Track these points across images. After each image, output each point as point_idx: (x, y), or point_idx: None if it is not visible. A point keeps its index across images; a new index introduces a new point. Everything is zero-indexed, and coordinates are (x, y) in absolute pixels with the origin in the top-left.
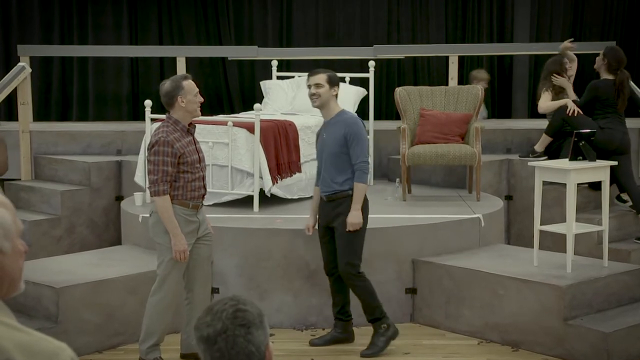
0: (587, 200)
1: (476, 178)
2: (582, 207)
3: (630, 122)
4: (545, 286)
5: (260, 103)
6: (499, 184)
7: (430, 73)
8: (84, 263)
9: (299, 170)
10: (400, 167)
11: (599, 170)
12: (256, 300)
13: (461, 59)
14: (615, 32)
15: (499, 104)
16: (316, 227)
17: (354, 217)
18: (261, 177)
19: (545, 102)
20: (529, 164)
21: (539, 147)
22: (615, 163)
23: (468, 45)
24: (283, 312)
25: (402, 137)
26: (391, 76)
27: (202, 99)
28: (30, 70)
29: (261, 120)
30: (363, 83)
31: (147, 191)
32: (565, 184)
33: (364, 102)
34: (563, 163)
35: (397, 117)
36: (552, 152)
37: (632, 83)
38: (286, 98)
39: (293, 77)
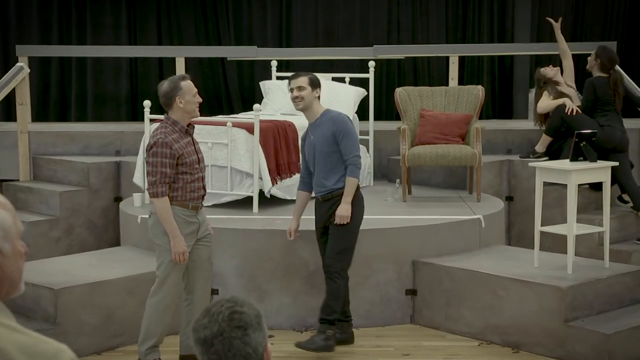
0: (588, 201)
1: (476, 179)
2: (583, 208)
3: (631, 123)
4: (546, 287)
5: (260, 103)
6: (500, 184)
7: (430, 73)
8: (83, 264)
9: (299, 171)
10: (401, 167)
11: (600, 171)
12: (255, 302)
13: (461, 60)
14: (616, 32)
15: (499, 104)
16: (298, 232)
17: (343, 210)
18: (261, 178)
19: (544, 102)
20: (530, 164)
21: (539, 147)
22: (616, 163)
23: (468, 46)
24: (282, 314)
25: (402, 138)
26: (391, 76)
27: (200, 100)
28: (28, 70)
29: (261, 121)
30: (363, 83)
31: (147, 192)
32: (566, 185)
33: (364, 102)
34: (564, 164)
35: (397, 117)
36: (552, 153)
37: (629, 80)
38: (286, 98)
39: None
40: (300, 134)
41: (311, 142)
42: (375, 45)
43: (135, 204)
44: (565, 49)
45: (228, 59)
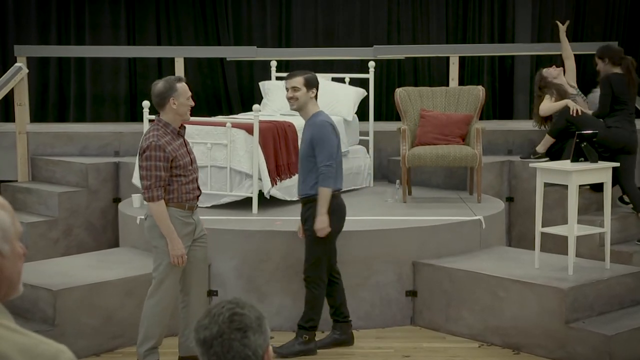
0: (589, 202)
1: (477, 179)
2: (583, 208)
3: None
4: (547, 288)
5: (259, 104)
6: (500, 185)
7: (430, 74)
8: (82, 265)
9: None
10: (401, 168)
11: (601, 171)
12: (255, 303)
13: (462, 60)
14: (617, 32)
15: (499, 105)
16: None
17: (319, 222)
18: (260, 179)
19: (547, 104)
20: (530, 165)
21: (540, 148)
22: (617, 164)
23: (469, 46)
24: (282, 315)
25: (402, 138)
26: (391, 77)
27: (193, 103)
28: (27, 70)
29: (260, 121)
30: (363, 84)
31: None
32: (566, 186)
33: (364, 103)
34: (564, 164)
35: (397, 118)
36: (553, 154)
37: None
38: (285, 99)
39: None
40: (300, 135)
41: (301, 142)
42: (375, 46)
43: (134, 205)
44: (569, 51)
45: (227, 59)
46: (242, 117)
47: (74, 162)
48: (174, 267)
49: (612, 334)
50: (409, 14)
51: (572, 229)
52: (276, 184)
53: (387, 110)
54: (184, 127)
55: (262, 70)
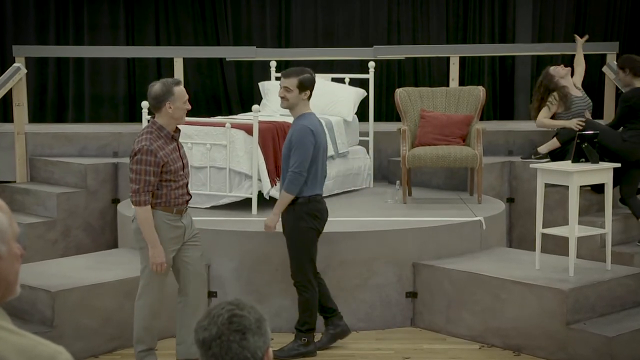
0: (590, 203)
1: (477, 180)
2: (584, 209)
3: None
4: (548, 290)
5: (259, 104)
6: (501, 186)
7: (431, 74)
8: (80, 266)
9: None
10: (401, 169)
11: (602, 172)
12: (254, 304)
13: (462, 60)
14: (619, 33)
15: (500, 105)
16: None
17: (268, 220)
18: (259, 180)
19: (545, 118)
20: (531, 166)
21: (543, 149)
22: (618, 165)
23: (469, 46)
24: (282, 316)
25: (402, 139)
26: (391, 77)
27: (189, 107)
28: (25, 71)
29: (259, 122)
30: (363, 84)
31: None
32: (567, 187)
33: (363, 103)
34: (565, 165)
35: (398, 118)
36: (555, 155)
37: None
38: None
39: None
40: None
41: (285, 140)
42: (375, 46)
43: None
44: (581, 60)
45: (227, 59)
46: (242, 118)
47: (73, 163)
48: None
49: (613, 336)
50: (409, 14)
51: (573, 230)
52: (276, 185)
53: (387, 110)
54: (179, 131)
55: (261, 71)
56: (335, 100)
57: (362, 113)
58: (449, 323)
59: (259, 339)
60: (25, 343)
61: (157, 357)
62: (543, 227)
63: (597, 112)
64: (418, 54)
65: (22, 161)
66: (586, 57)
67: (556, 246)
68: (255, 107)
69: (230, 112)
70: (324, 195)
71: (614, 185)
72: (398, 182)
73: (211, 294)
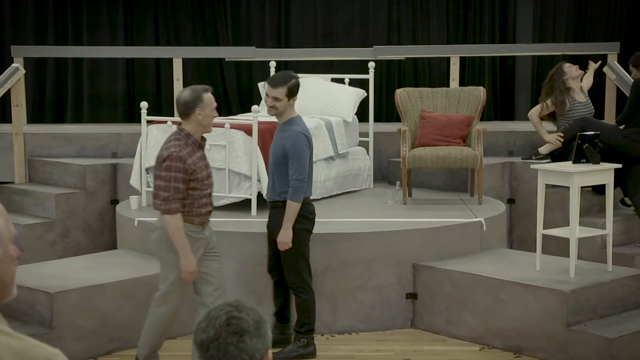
0: (591, 203)
1: (478, 181)
2: (585, 210)
3: None
4: (548, 291)
5: (258, 105)
6: (501, 187)
7: (431, 74)
8: (79, 268)
9: None
10: (401, 169)
11: (603, 173)
12: (254, 306)
13: (462, 60)
14: (619, 32)
15: (501, 105)
16: None
17: (282, 236)
18: (259, 180)
19: (534, 115)
20: (532, 166)
21: (544, 149)
22: (619, 165)
23: (469, 46)
24: None
25: (402, 140)
26: (391, 77)
27: (217, 114)
28: (24, 71)
29: (259, 122)
30: (363, 84)
31: (154, 204)
32: (568, 187)
33: (363, 103)
34: (566, 166)
35: (398, 119)
36: (555, 156)
37: None
38: None
39: None
40: None
41: (273, 143)
42: (375, 46)
43: (132, 207)
44: (591, 79)
45: (226, 59)
46: (241, 118)
47: (72, 164)
48: (182, 282)
49: (614, 337)
50: (409, 14)
51: (574, 231)
52: None
53: (387, 111)
54: (205, 139)
55: (261, 71)
56: (335, 100)
57: (362, 113)
58: (449, 324)
59: (258, 342)
60: (21, 345)
61: (159, 357)
62: (544, 228)
63: (598, 112)
64: (418, 54)
65: (20, 162)
66: (586, 57)
67: (557, 247)
68: (254, 107)
69: (229, 112)
70: (323, 196)
71: (615, 186)
72: (398, 182)
73: None
